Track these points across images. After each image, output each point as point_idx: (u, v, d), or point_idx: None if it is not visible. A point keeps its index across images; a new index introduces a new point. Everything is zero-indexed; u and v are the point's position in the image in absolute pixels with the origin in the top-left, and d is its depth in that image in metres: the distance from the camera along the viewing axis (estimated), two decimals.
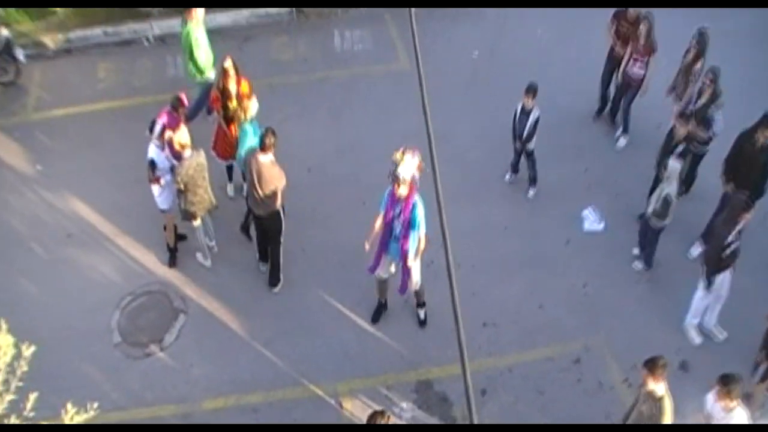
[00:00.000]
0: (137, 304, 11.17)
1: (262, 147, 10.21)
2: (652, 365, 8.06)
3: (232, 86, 11.33)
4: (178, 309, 11.10)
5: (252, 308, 11.09)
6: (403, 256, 9.91)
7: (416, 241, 9.78)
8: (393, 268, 10.33)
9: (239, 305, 11.12)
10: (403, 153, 9.34)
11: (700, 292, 10.28)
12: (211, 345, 10.72)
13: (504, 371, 10.40)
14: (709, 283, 10.06)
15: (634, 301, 11.07)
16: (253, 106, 10.94)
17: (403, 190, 9.43)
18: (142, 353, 10.67)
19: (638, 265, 11.40)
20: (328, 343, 10.70)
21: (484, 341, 10.65)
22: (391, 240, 9.93)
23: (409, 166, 9.32)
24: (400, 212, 9.62)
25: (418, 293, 10.54)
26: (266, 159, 10.29)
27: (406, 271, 10.08)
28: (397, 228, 9.75)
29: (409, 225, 9.63)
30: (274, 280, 11.22)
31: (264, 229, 10.96)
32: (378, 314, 10.88)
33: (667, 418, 8.13)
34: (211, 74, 12.49)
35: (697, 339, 10.59)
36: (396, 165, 9.36)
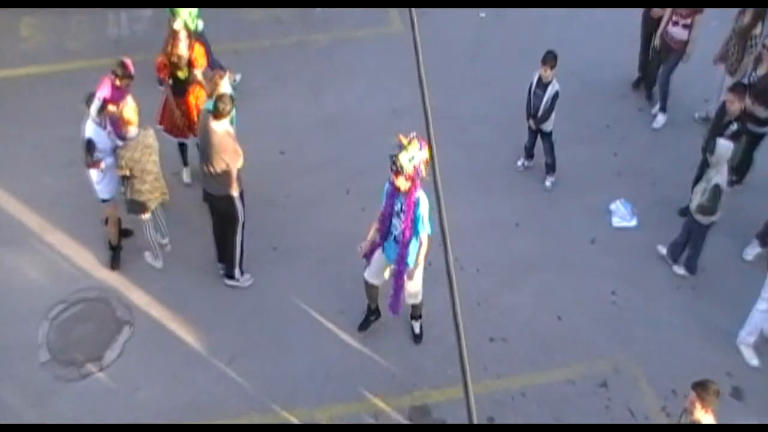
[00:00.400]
0: (70, 314, 11.07)
1: (215, 113, 10.22)
2: (702, 390, 7.99)
3: (182, 51, 11.32)
4: (121, 320, 11.02)
5: (212, 318, 11.02)
6: (399, 262, 9.85)
7: (417, 246, 9.72)
8: (387, 274, 10.25)
9: (197, 315, 11.05)
10: (411, 141, 9.24)
11: (762, 304, 10.22)
12: (161, 363, 10.63)
13: (515, 395, 10.36)
14: None
15: (673, 312, 11.05)
16: (223, 86, 10.84)
17: (402, 182, 9.34)
18: (76, 374, 10.54)
19: (679, 269, 11.38)
20: (304, 360, 10.64)
21: (491, 359, 10.61)
22: (389, 239, 9.86)
23: (412, 154, 9.23)
24: (401, 209, 9.55)
25: (415, 305, 10.50)
26: (219, 127, 10.28)
27: (399, 285, 10.02)
28: (397, 227, 9.69)
29: (412, 227, 9.55)
30: (228, 272, 11.28)
31: (218, 215, 10.94)
32: (366, 323, 10.83)
33: None
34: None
35: (753, 360, 10.54)
36: (399, 149, 9.26)
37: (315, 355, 10.67)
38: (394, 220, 9.66)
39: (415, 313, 10.61)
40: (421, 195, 9.45)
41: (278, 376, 10.49)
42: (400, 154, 9.18)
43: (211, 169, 10.41)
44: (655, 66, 13.01)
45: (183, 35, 11.28)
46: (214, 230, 11.20)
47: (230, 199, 10.67)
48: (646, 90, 13.33)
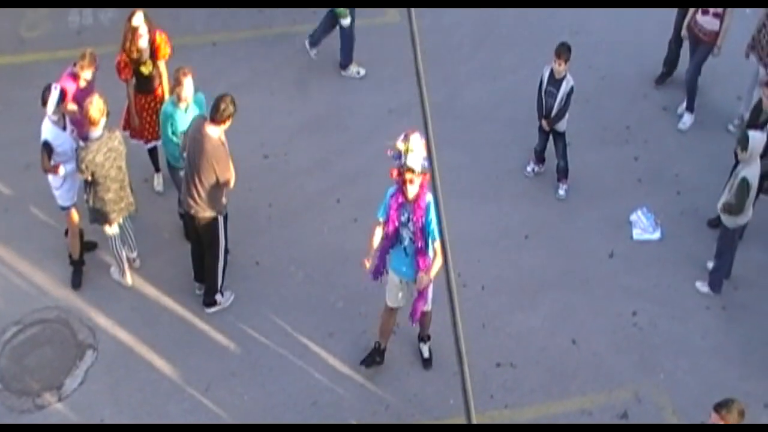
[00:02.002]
0: (25, 338, 11.01)
1: (213, 116, 10.13)
2: (726, 411, 8.06)
3: (143, 45, 11.32)
4: (83, 343, 10.96)
5: (186, 342, 10.99)
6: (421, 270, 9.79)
7: (433, 253, 9.65)
8: (401, 295, 10.12)
9: (169, 338, 11.02)
10: (406, 138, 9.17)
11: None
12: (129, 392, 10.57)
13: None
14: None
15: (703, 335, 11.04)
16: (187, 86, 10.77)
17: (413, 189, 9.29)
18: (31, 405, 10.47)
19: (703, 286, 11.37)
20: (289, 387, 10.60)
21: (498, 387, 10.58)
22: (398, 253, 9.78)
23: (418, 152, 9.17)
24: (409, 218, 9.48)
25: (423, 322, 10.42)
26: (214, 133, 10.21)
27: (421, 295, 9.89)
28: (407, 239, 9.62)
29: (424, 233, 9.49)
30: (208, 299, 11.25)
31: (198, 234, 10.86)
32: (371, 359, 10.70)
33: None
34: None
35: None
36: (402, 156, 9.20)
37: (300, 383, 10.63)
38: (402, 231, 9.60)
39: (424, 333, 10.58)
40: (430, 198, 9.38)
41: (259, 407, 10.46)
42: (407, 158, 9.10)
43: (197, 183, 10.24)
44: (675, 55, 13.08)
45: (143, 31, 11.24)
46: (192, 251, 11.15)
47: (214, 221, 10.60)
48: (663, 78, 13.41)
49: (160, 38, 11.47)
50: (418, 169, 9.17)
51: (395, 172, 9.32)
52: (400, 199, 9.44)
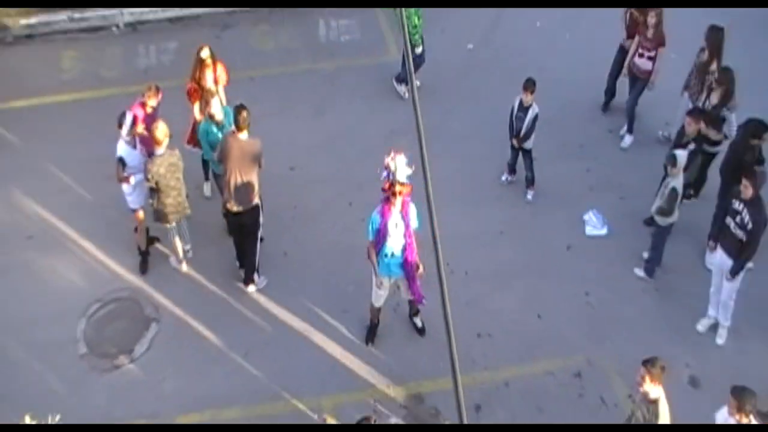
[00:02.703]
0: (105, 312, 11.09)
1: (239, 126, 10.28)
2: (651, 365, 8.07)
3: (209, 78, 11.36)
4: (149, 317, 11.03)
5: (229, 317, 11.02)
6: (409, 267, 9.81)
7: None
8: (385, 295, 10.19)
9: (215, 314, 11.05)
10: (394, 157, 9.31)
11: (727, 284, 10.35)
12: (184, 357, 10.64)
13: (500, 386, 10.38)
14: (736, 272, 10.14)
15: (640, 311, 11.07)
16: (214, 105, 10.86)
17: (400, 198, 9.41)
18: (110, 365, 10.57)
19: (639, 272, 11.44)
20: (311, 354, 10.64)
21: (478, 354, 10.62)
22: (384, 260, 9.79)
23: (403, 168, 9.30)
24: (396, 224, 9.56)
25: (412, 301, 10.49)
26: (244, 137, 10.37)
27: (413, 280, 9.94)
28: (391, 248, 9.67)
29: (409, 229, 9.57)
30: (248, 279, 11.24)
31: (240, 225, 10.86)
32: (371, 334, 10.74)
33: (662, 421, 8.13)
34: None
35: (701, 328, 10.73)
36: (392, 173, 9.32)
37: (320, 350, 10.67)
38: (387, 241, 9.63)
39: (413, 310, 10.63)
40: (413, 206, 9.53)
41: (287, 369, 10.49)
42: (396, 174, 9.23)
43: (239, 181, 10.34)
44: (612, 86, 13.17)
45: (209, 62, 11.32)
46: (235, 243, 11.17)
47: (256, 209, 10.69)
48: (605, 100, 13.46)
49: (221, 68, 11.55)
50: (405, 181, 9.32)
51: (387, 185, 9.41)
52: (389, 209, 9.50)
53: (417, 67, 13.42)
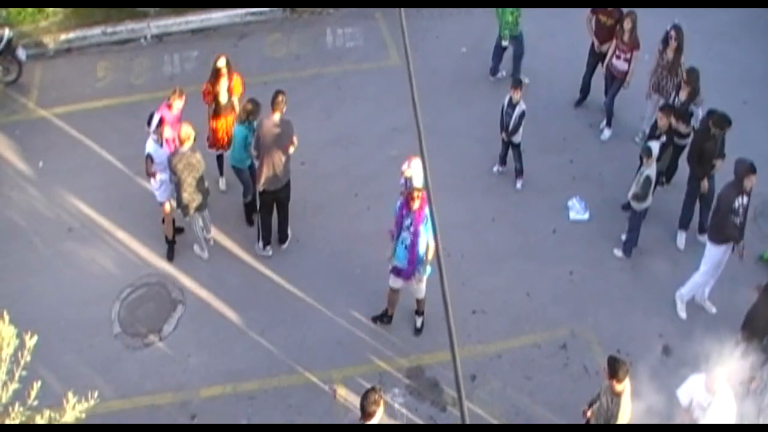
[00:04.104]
0: (136, 296, 11.06)
1: (273, 107, 10.36)
2: (613, 368, 7.93)
3: (223, 85, 11.28)
4: (176, 300, 10.99)
5: (247, 299, 10.98)
6: (411, 262, 9.70)
7: (425, 246, 9.55)
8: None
9: (235, 296, 11.01)
10: (410, 164, 9.20)
11: (700, 273, 10.26)
12: (208, 335, 10.62)
13: (493, 357, 10.33)
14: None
15: (618, 288, 11.00)
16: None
17: (417, 203, 9.31)
18: (141, 343, 10.57)
19: (618, 252, 11.35)
20: (321, 331, 10.60)
21: (473, 329, 10.56)
22: (400, 246, 9.67)
23: (419, 174, 9.20)
24: (411, 223, 9.47)
25: (419, 301, 10.35)
26: (278, 118, 10.44)
27: (412, 261, 9.74)
28: (407, 239, 9.57)
29: (417, 234, 9.44)
30: (283, 237, 11.43)
31: (276, 200, 10.94)
32: (380, 318, 10.60)
33: (622, 416, 8.04)
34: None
35: (683, 312, 10.58)
36: (409, 179, 9.23)
37: (329, 328, 10.63)
38: (404, 233, 9.55)
39: (420, 308, 10.45)
40: (427, 212, 9.33)
41: (300, 345, 10.47)
42: (414, 182, 9.13)
43: (277, 161, 10.47)
44: (587, 85, 13.13)
45: (224, 71, 11.19)
46: (264, 221, 11.18)
47: (289, 182, 10.83)
48: (579, 97, 13.37)
49: (236, 80, 11.44)
50: (421, 187, 9.20)
51: (406, 193, 9.35)
52: (405, 209, 9.44)
53: (519, 58, 13.43)
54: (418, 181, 9.24)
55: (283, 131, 10.47)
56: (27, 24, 14.86)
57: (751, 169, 9.77)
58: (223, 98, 11.33)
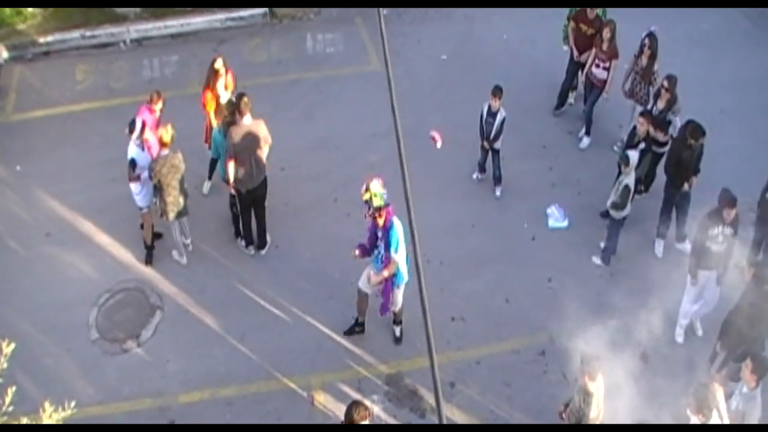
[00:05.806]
0: (114, 301, 10.99)
1: (240, 110, 10.38)
2: (585, 366, 8.12)
3: (221, 84, 11.48)
4: (154, 305, 10.94)
5: (226, 304, 10.94)
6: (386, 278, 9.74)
7: (389, 260, 9.56)
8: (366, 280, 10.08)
9: (214, 301, 10.97)
10: (367, 188, 9.20)
11: (687, 294, 10.28)
12: (186, 340, 10.57)
13: (472, 364, 10.32)
14: (693, 276, 10.04)
15: (596, 294, 11.01)
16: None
17: (381, 221, 9.33)
18: (119, 349, 10.50)
19: (596, 259, 11.39)
20: (301, 337, 10.56)
21: (452, 335, 10.56)
22: (376, 258, 9.71)
23: (378, 193, 9.19)
24: (380, 236, 9.50)
25: (396, 312, 10.34)
26: (248, 120, 10.45)
27: (386, 292, 9.85)
28: (381, 251, 9.59)
29: (387, 247, 9.45)
30: (262, 242, 11.41)
31: (254, 199, 10.98)
32: (352, 330, 10.54)
33: (592, 413, 8.14)
34: None
35: (680, 337, 10.56)
36: (368, 202, 9.23)
37: (309, 332, 10.60)
38: (379, 245, 9.58)
39: (397, 318, 10.43)
40: (395, 221, 9.37)
41: (279, 350, 10.43)
42: (373, 201, 9.15)
43: (252, 162, 10.54)
44: (565, 92, 13.23)
45: (222, 72, 11.44)
46: (244, 222, 11.26)
47: (265, 179, 10.88)
48: (557, 104, 13.43)
49: (230, 76, 11.70)
50: (382, 205, 9.22)
51: (368, 214, 9.37)
52: (374, 227, 9.51)
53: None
54: (378, 202, 9.24)
55: (254, 133, 10.53)
56: (5, 26, 14.76)
57: (731, 203, 9.63)
58: (223, 97, 11.46)
